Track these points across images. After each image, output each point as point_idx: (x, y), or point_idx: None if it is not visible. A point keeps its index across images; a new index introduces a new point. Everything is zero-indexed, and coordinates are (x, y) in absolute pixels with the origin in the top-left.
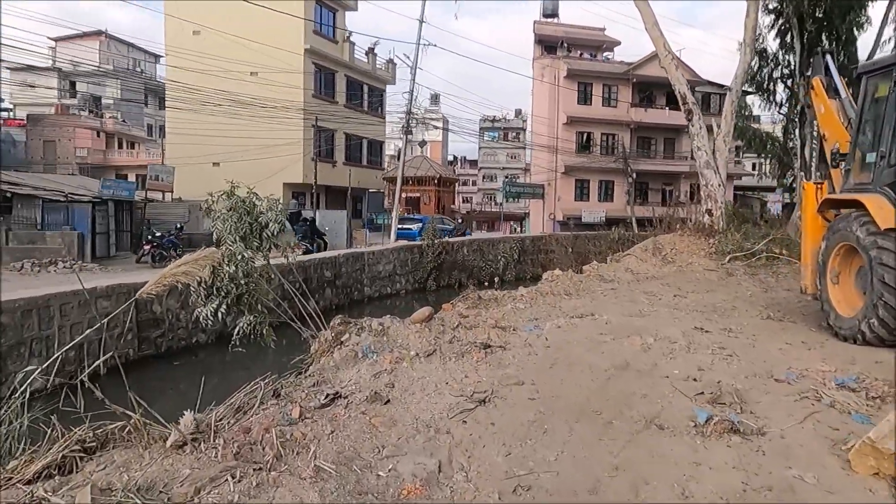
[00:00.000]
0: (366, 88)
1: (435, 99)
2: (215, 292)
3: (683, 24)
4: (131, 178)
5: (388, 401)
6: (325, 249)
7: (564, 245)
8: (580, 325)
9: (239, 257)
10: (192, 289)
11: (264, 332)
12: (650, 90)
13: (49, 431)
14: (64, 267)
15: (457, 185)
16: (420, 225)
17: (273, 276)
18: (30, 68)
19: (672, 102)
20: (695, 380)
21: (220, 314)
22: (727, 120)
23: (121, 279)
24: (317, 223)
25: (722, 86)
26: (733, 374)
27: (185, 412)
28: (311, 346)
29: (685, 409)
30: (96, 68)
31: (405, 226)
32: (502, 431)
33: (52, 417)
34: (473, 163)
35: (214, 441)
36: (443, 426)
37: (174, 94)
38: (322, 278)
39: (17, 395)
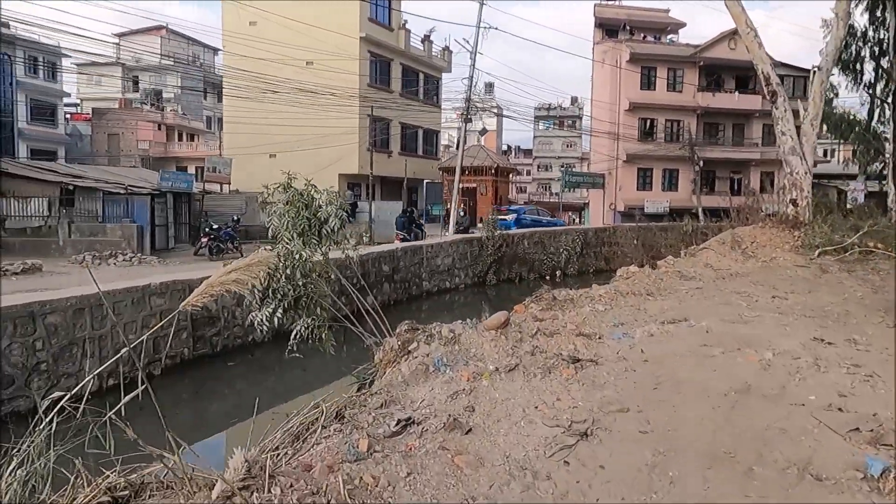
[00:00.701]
0: (421, 77)
1: (489, 88)
2: (271, 295)
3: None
4: (191, 170)
5: (470, 430)
6: (422, 239)
7: (630, 237)
8: (676, 334)
9: (297, 256)
10: (247, 292)
11: (323, 336)
12: (718, 73)
13: (73, 478)
14: (123, 260)
15: (513, 174)
16: (515, 216)
17: (333, 275)
18: (96, 64)
19: (742, 86)
20: (839, 409)
21: (276, 319)
22: (815, 102)
23: (175, 275)
24: (414, 214)
25: (795, 67)
26: (885, 403)
27: (235, 449)
28: (374, 353)
29: (842, 453)
30: (158, 63)
31: (500, 217)
32: (617, 479)
33: (77, 460)
34: (528, 152)
35: (269, 489)
36: (541, 469)
37: (232, 84)
38: (380, 273)
39: (42, 424)
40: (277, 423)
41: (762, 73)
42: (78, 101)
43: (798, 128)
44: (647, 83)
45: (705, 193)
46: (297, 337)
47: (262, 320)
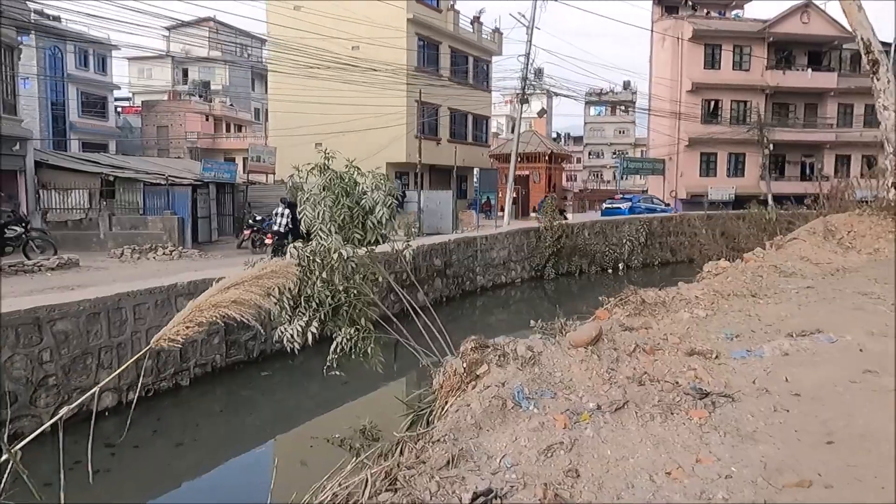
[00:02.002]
0: (470, 60)
1: (539, 74)
2: (304, 304)
3: None
4: (238, 161)
5: None
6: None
7: (699, 227)
8: (819, 353)
9: (335, 256)
10: (275, 300)
11: (369, 349)
12: (789, 49)
13: None
14: (164, 253)
15: (567, 161)
16: (629, 204)
17: (380, 277)
18: (146, 58)
19: (814, 62)
20: None
21: (310, 333)
22: None
23: (206, 272)
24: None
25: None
26: None
27: None
28: (432, 375)
29: None
30: (206, 54)
31: (614, 205)
32: None
33: None
34: (578, 139)
35: None
36: None
37: (276, 65)
38: (432, 267)
39: None
40: (314, 451)
41: (862, 39)
42: (130, 95)
43: None
44: (712, 62)
45: (774, 179)
46: (338, 351)
47: (292, 336)
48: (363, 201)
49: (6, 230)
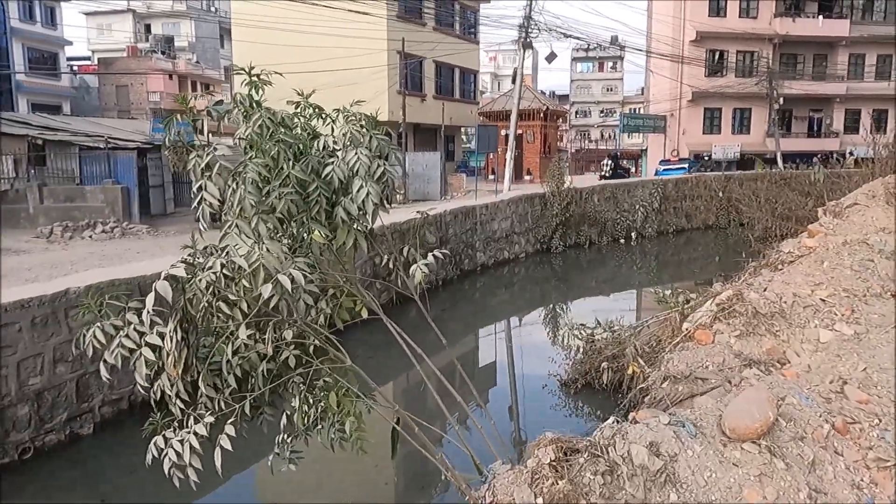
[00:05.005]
0: (457, 7)
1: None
2: (205, 384)
3: None
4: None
5: None
6: None
7: (715, 189)
8: None
9: (264, 289)
10: (142, 381)
11: (348, 424)
12: None
13: None
14: (103, 231)
15: (562, 120)
16: (687, 164)
17: (365, 310)
18: (106, 13)
19: (825, 9)
20: None
21: (221, 448)
22: None
23: (138, 265)
24: None
25: None
26: None
27: None
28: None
29: None
30: (170, 8)
31: (670, 167)
32: None
33: None
34: (563, 98)
35: None
36: None
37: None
38: (424, 246)
39: None
40: None
41: None
42: (90, 53)
43: None
44: (717, 9)
45: (781, 135)
46: (289, 440)
47: (180, 455)
48: (327, 171)
49: None
